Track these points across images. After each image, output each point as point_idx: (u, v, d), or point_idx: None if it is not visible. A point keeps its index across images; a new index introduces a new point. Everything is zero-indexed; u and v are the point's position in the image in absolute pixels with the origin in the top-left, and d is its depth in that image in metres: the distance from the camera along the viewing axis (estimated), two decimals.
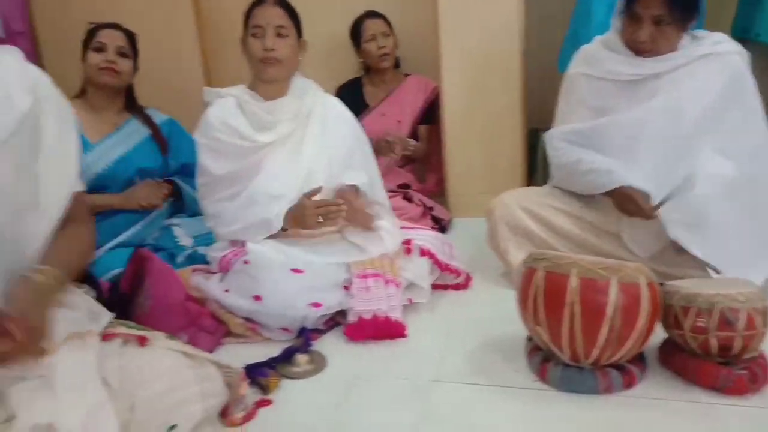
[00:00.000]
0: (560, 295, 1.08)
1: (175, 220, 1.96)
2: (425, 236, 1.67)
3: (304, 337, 1.38)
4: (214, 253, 1.61)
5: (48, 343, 0.94)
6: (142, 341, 1.01)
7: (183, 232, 1.90)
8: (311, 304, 1.41)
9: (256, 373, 1.21)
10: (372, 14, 2.49)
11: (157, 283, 1.29)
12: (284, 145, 1.62)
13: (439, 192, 2.50)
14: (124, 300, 1.27)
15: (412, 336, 1.40)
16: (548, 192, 1.71)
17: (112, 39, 1.91)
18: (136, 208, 1.85)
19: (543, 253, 1.17)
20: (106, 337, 1.00)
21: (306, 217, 1.50)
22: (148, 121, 2.01)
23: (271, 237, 1.55)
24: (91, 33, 1.93)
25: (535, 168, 2.55)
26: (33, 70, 1.00)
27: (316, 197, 1.54)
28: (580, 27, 2.18)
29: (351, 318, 1.42)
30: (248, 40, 1.61)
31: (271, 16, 1.59)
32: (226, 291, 1.48)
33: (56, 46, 2.62)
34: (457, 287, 1.66)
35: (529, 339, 1.25)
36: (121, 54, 1.91)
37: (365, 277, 1.46)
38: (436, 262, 1.60)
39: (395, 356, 1.33)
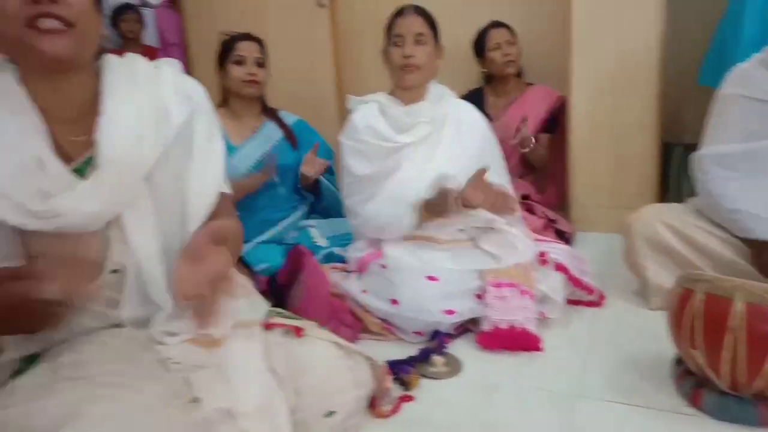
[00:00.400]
0: (722, 319, 1.04)
1: (311, 222, 2.08)
2: (558, 250, 1.66)
3: (439, 339, 1.42)
4: (353, 253, 1.71)
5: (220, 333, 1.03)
6: (298, 332, 1.07)
7: (319, 233, 2.02)
8: (445, 312, 1.45)
9: (398, 369, 1.27)
10: (497, 24, 2.51)
11: (311, 277, 1.39)
12: (421, 147, 1.68)
13: (558, 204, 2.46)
14: (280, 291, 1.38)
15: (547, 349, 1.40)
16: (691, 210, 1.63)
17: (249, 51, 2.05)
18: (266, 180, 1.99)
19: (701, 275, 1.13)
20: (267, 326, 1.08)
21: (448, 204, 1.53)
22: (280, 123, 2.16)
23: (407, 239, 1.62)
24: (228, 45, 2.08)
25: (668, 184, 2.44)
26: (188, 80, 1.07)
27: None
28: (728, 39, 2.05)
29: (485, 326, 1.44)
30: (389, 50, 1.70)
31: (411, 24, 1.67)
32: (364, 291, 1.57)
33: (205, 56, 2.86)
34: (589, 304, 1.63)
35: (678, 362, 1.21)
36: (259, 64, 2.05)
37: (500, 286, 1.48)
38: (570, 278, 1.58)
39: (532, 368, 1.34)
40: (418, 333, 1.49)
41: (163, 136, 0.96)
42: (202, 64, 2.93)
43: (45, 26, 0.84)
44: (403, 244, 1.62)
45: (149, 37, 3.35)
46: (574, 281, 1.60)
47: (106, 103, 0.93)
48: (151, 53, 3.32)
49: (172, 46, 3.11)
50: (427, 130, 1.67)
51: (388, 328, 1.52)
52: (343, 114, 2.79)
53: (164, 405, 0.86)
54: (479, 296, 1.49)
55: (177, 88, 1.02)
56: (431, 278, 1.50)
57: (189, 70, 2.95)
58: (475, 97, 2.57)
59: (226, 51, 2.05)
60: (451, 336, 1.48)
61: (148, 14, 3.36)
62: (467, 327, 1.52)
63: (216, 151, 1.06)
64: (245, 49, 2.03)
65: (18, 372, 0.94)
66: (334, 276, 1.66)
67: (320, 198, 2.18)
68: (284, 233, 2.01)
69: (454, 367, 1.34)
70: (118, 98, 0.94)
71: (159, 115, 0.97)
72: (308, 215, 2.15)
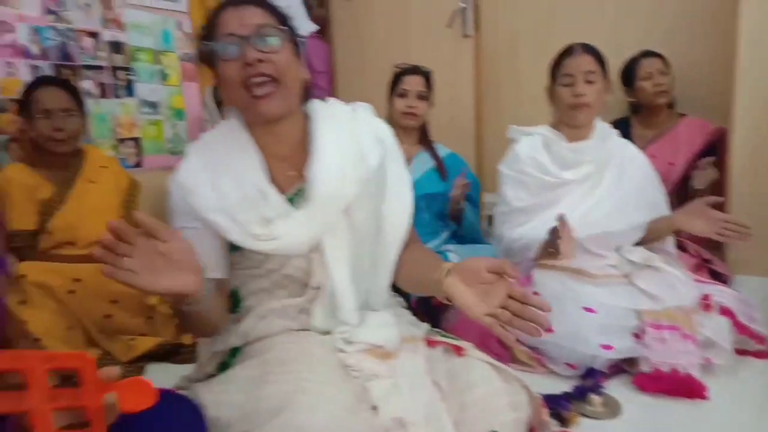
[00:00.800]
0: None
1: (450, 246, 2.13)
2: (723, 293, 1.56)
3: (595, 378, 1.39)
4: None
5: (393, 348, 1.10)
6: (459, 351, 1.10)
7: (457, 259, 2.06)
8: (603, 346, 1.42)
9: (556, 403, 1.27)
10: (648, 53, 2.42)
11: None
12: (582, 185, 1.68)
13: (710, 243, 2.30)
14: (436, 311, 1.44)
15: (712, 399, 1.32)
16: None
17: (413, 84, 2.16)
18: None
19: None
20: (430, 343, 1.12)
21: (544, 249, 1.55)
22: (434, 154, 2.25)
23: (558, 269, 1.61)
24: (396, 77, 2.20)
25: None
26: (379, 124, 1.18)
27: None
28: None
29: (643, 367, 1.39)
30: (557, 89, 1.71)
31: (580, 63, 1.67)
32: None
33: (351, 83, 3.06)
34: (758, 355, 1.52)
35: None
36: (420, 97, 2.16)
37: (659, 328, 1.42)
38: (737, 324, 1.49)
39: (698, 417, 1.27)
40: (570, 365, 1.47)
41: (360, 175, 1.08)
42: (348, 91, 3.12)
43: (258, 93, 0.99)
44: (554, 273, 1.61)
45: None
46: (741, 328, 1.50)
47: (316, 144, 1.07)
48: None
49: (320, 73, 3.33)
50: (591, 168, 1.68)
51: (537, 358, 1.51)
52: (481, 142, 2.84)
53: (356, 407, 0.94)
54: (637, 335, 1.45)
55: (371, 131, 1.14)
56: (588, 309, 1.48)
57: (335, 97, 3.15)
58: (620, 127, 2.49)
59: (394, 83, 2.18)
60: (605, 375, 1.45)
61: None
62: (622, 366, 1.47)
63: (406, 190, 1.16)
64: (409, 82, 2.16)
65: (224, 363, 1.09)
66: None
67: (461, 226, 2.23)
68: None
69: (612, 408, 1.31)
70: (326, 140, 1.07)
71: (357, 156, 1.09)
72: (448, 241, 2.20)
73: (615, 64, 2.45)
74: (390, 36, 2.90)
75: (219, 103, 2.31)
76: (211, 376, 1.09)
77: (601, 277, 1.60)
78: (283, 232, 1.02)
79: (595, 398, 1.31)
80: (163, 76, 2.44)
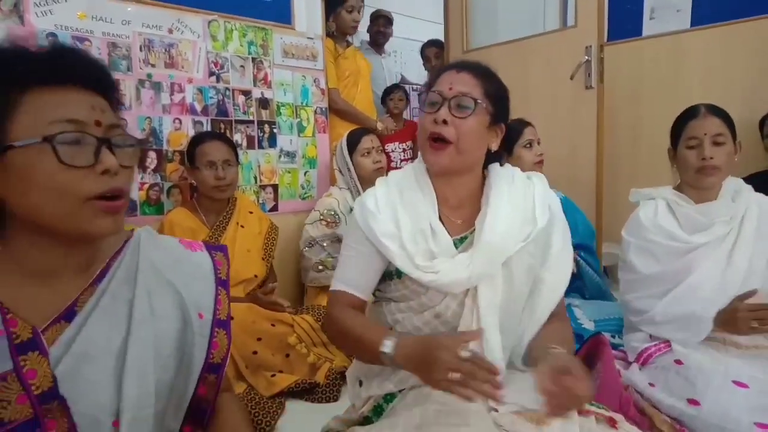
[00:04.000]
0: None
1: (575, 301, 2.11)
2: None
3: None
4: (632, 343, 1.68)
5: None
6: (612, 423, 1.09)
7: (583, 314, 2.03)
8: (758, 425, 1.34)
9: None
10: None
11: (608, 368, 1.42)
12: (717, 248, 1.61)
13: None
14: None
15: None
16: None
17: (534, 134, 2.23)
18: None
19: None
20: (580, 411, 1.10)
21: (738, 321, 1.46)
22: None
23: (705, 339, 1.55)
24: (517, 130, 2.26)
25: None
26: (551, 194, 1.25)
27: (751, 300, 1.48)
28: None
29: None
30: (681, 152, 1.65)
31: (707, 126, 1.61)
32: (651, 385, 1.53)
33: None
34: None
35: None
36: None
37: None
38: None
39: None
40: None
41: (525, 234, 1.15)
42: None
43: (434, 146, 1.14)
44: (697, 342, 1.55)
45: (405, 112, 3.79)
46: None
47: (489, 199, 1.17)
48: (411, 126, 3.75)
49: None
50: (725, 229, 1.60)
51: (680, 430, 1.46)
52: (600, 192, 2.80)
53: None
54: None
55: (542, 198, 1.21)
56: (739, 384, 1.41)
57: None
58: (757, 182, 2.37)
59: (516, 134, 2.25)
60: None
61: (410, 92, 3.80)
62: None
63: (568, 263, 1.22)
64: (532, 133, 2.22)
65: (379, 406, 1.17)
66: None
67: (578, 277, 2.20)
68: None
69: None
70: (499, 197, 1.17)
71: (527, 216, 1.18)
72: (571, 294, 2.18)
73: (752, 112, 2.36)
74: (509, 87, 2.95)
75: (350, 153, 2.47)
76: (366, 417, 1.18)
77: (750, 348, 1.52)
78: (443, 269, 1.11)
79: None
80: (300, 129, 2.65)
